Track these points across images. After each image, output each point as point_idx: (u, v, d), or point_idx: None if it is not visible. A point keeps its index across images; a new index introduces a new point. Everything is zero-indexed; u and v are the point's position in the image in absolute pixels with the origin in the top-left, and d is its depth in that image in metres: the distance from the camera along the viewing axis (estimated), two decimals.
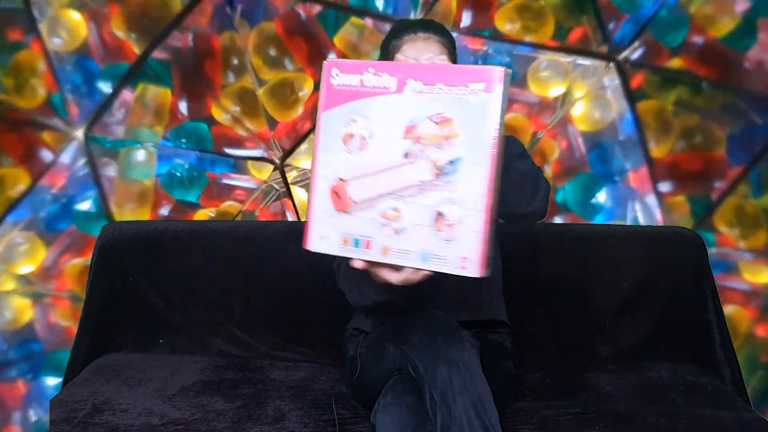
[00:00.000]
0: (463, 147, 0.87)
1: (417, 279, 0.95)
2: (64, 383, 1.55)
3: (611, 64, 1.77)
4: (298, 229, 1.64)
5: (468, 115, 0.87)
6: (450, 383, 1.01)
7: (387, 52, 1.20)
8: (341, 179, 0.94)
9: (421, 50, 1.14)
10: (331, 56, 0.93)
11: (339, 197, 0.94)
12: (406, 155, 0.90)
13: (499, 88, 0.85)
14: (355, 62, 0.94)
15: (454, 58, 1.21)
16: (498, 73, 0.85)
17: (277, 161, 1.80)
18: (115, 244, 1.62)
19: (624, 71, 1.78)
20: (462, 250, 0.89)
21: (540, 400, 1.39)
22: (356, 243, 0.94)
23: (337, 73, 0.93)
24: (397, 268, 0.95)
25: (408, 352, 1.09)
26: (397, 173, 0.91)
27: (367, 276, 0.99)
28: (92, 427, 1.26)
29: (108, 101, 1.77)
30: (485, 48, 1.78)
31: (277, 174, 1.82)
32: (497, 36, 1.78)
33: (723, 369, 1.57)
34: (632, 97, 1.80)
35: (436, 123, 0.89)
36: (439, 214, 0.90)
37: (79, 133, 1.78)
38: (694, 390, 1.45)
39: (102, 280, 1.61)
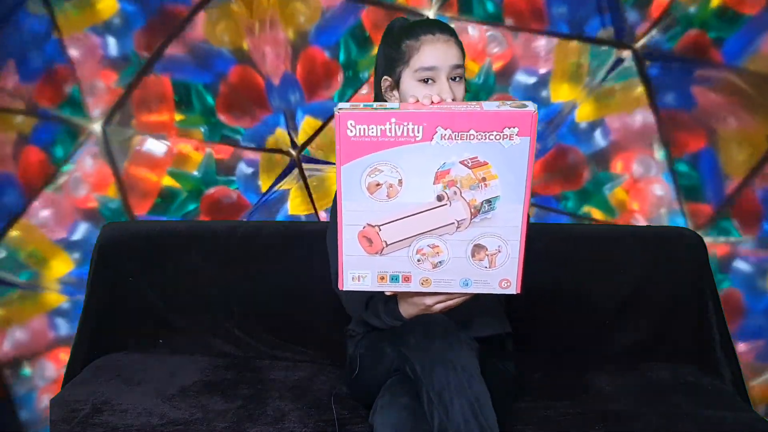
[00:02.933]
0: (501, 187, 0.90)
1: (456, 304, 1.03)
2: (64, 383, 1.55)
3: None
4: (298, 229, 1.68)
5: (504, 158, 0.88)
6: (447, 384, 1.01)
7: (399, 52, 1.14)
8: (370, 225, 0.93)
9: (442, 53, 1.11)
10: (342, 105, 0.89)
11: (370, 241, 0.94)
12: (438, 198, 0.91)
13: (533, 130, 0.86)
14: (373, 113, 0.87)
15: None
16: (531, 117, 0.86)
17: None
18: (115, 244, 1.62)
19: None
20: (502, 274, 0.95)
21: (540, 400, 1.39)
22: (394, 279, 0.97)
23: (353, 125, 0.87)
24: (436, 294, 1.00)
25: (405, 353, 1.08)
26: (430, 215, 0.92)
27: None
28: (92, 427, 1.26)
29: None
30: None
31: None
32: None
33: (723, 369, 1.57)
34: None
35: (469, 167, 0.89)
36: (477, 246, 0.94)
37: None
38: (695, 390, 1.45)
39: (102, 280, 1.61)
